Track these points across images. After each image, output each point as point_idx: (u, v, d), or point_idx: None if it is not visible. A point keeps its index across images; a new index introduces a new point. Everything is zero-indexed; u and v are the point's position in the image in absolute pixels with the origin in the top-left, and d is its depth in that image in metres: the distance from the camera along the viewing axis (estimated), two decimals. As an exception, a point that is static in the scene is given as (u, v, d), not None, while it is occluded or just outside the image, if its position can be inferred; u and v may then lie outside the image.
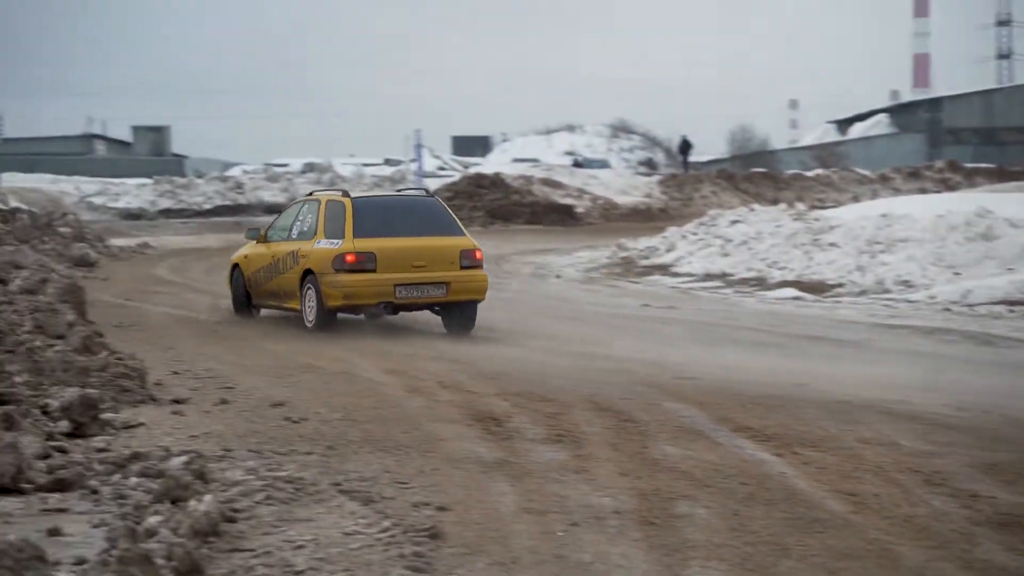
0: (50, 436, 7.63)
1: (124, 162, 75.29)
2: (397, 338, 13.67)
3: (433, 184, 47.75)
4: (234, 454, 7.44)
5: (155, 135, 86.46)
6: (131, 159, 78.88)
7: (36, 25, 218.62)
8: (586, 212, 44.57)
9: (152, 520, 5.74)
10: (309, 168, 56.46)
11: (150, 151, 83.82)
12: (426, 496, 6.58)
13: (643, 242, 27.72)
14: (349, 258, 14.30)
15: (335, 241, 14.58)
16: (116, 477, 6.79)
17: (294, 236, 15.54)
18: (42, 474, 6.68)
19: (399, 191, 19.39)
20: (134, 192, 47.16)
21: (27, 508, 6.19)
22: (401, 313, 14.92)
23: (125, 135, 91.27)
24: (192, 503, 5.91)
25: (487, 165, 63.13)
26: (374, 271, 14.34)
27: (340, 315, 14.79)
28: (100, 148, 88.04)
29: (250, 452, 7.53)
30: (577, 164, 61.41)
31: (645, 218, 43.46)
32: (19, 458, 6.59)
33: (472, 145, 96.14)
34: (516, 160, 67.74)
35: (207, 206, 47.13)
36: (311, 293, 14.62)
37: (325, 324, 14.49)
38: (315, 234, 15.04)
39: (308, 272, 14.72)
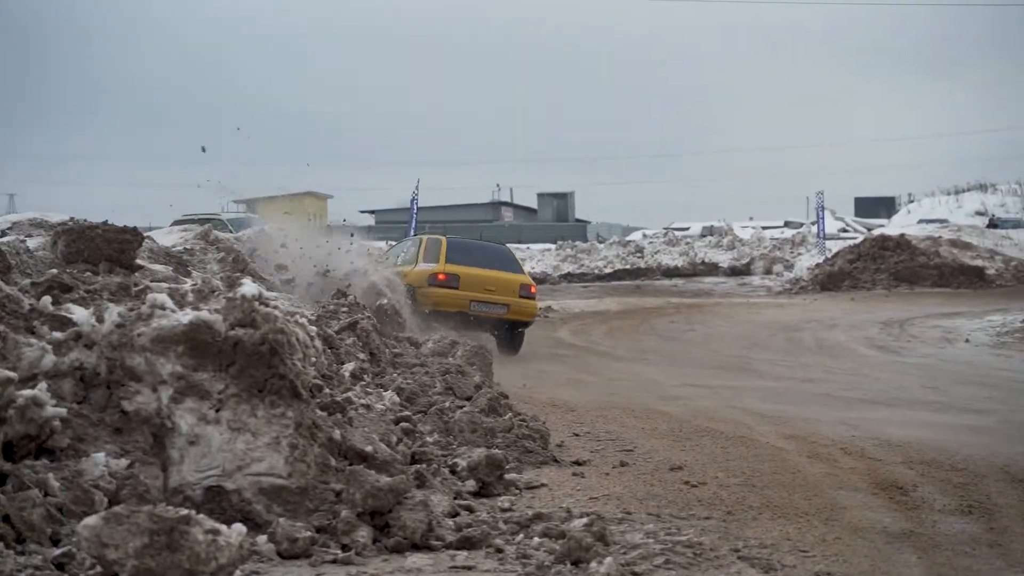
0: (458, 495, 7.91)
1: (530, 228, 77.52)
2: (795, 403, 13.43)
3: (834, 246, 46.91)
4: (633, 517, 7.47)
5: (559, 201, 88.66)
6: (536, 225, 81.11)
7: (449, 102, 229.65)
8: (997, 274, 42.62)
9: (554, 580, 5.85)
10: (708, 232, 56.64)
11: (554, 217, 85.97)
12: (828, 566, 6.40)
13: (1061, 305, 26.28)
14: (440, 276, 19.85)
15: (431, 264, 20.15)
16: (520, 537, 6.94)
17: (399, 263, 21.17)
18: (450, 532, 6.90)
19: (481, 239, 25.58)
20: (538, 257, 48.59)
21: (436, 565, 6.40)
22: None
23: (531, 202, 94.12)
24: (593, 565, 5.97)
25: (891, 227, 61.39)
26: (457, 288, 19.75)
27: None
28: (507, 215, 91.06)
29: (649, 515, 7.55)
30: (992, 224, 58.90)
31: (1063, 280, 41.23)
32: (430, 515, 6.84)
33: (876, 206, 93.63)
34: (922, 221, 65.61)
35: (607, 270, 48.01)
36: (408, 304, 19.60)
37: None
38: (415, 261, 20.67)
39: (408, 288, 19.67)
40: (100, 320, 6.98)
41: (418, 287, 19.81)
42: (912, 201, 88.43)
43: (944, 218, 65.08)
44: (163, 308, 6.99)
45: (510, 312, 20.10)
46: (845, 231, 64.57)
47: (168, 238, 18.24)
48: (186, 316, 6.86)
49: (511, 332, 20.46)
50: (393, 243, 36.23)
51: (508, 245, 23.93)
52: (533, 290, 20.72)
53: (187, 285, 9.64)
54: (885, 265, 41.39)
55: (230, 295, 7.05)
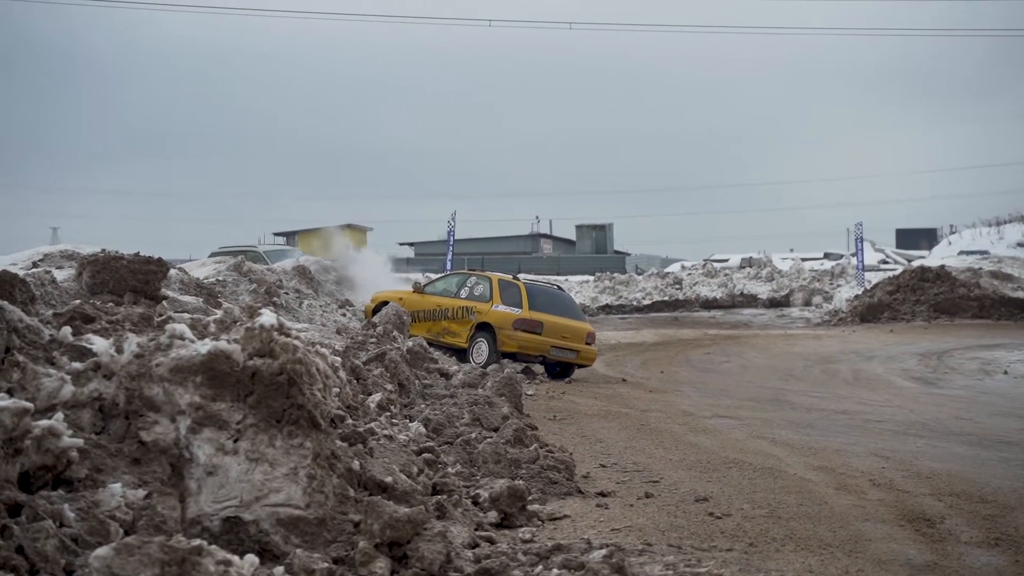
0: (479, 526, 7.88)
1: (568, 260, 77.49)
2: (826, 435, 13.31)
3: (874, 278, 46.65)
4: (654, 548, 7.42)
5: (597, 233, 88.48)
6: (575, 257, 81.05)
7: (483, 136, 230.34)
8: (1039, 305, 42.22)
9: (569, 612, 5.80)
10: (747, 263, 56.33)
11: (593, 249, 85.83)
12: (848, 599, 6.34)
13: (1104, 336, 26.03)
14: (527, 323, 21.30)
15: (515, 309, 21.50)
16: (539, 568, 6.89)
17: (463, 296, 22.53)
18: (469, 563, 6.86)
19: (548, 282, 26.30)
20: (576, 289, 48.50)
21: (453, 596, 6.37)
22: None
23: (569, 233, 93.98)
24: (609, 596, 5.93)
25: (931, 258, 60.95)
26: (540, 334, 21.32)
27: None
28: (546, 246, 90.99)
29: (670, 547, 7.49)
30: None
31: (1109, 311, 40.80)
32: (448, 547, 6.80)
33: (917, 238, 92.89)
34: (963, 252, 65.13)
35: (646, 302, 47.87)
36: (484, 341, 21.46)
37: (492, 363, 20.22)
38: (490, 300, 21.95)
39: (484, 325, 21.58)
40: (119, 350, 7.00)
41: (500, 328, 21.45)
42: (953, 232, 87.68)
43: (985, 249, 64.60)
44: (182, 338, 6.99)
45: (579, 357, 21.90)
46: (885, 263, 64.21)
47: (201, 270, 18.35)
48: (204, 346, 6.87)
49: (569, 368, 22.17)
50: (431, 276, 36.50)
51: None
52: (594, 337, 22.69)
53: (212, 316, 9.68)
54: (925, 297, 41.09)
55: (249, 325, 7.04)
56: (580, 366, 22.22)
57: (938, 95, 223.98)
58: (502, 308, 21.73)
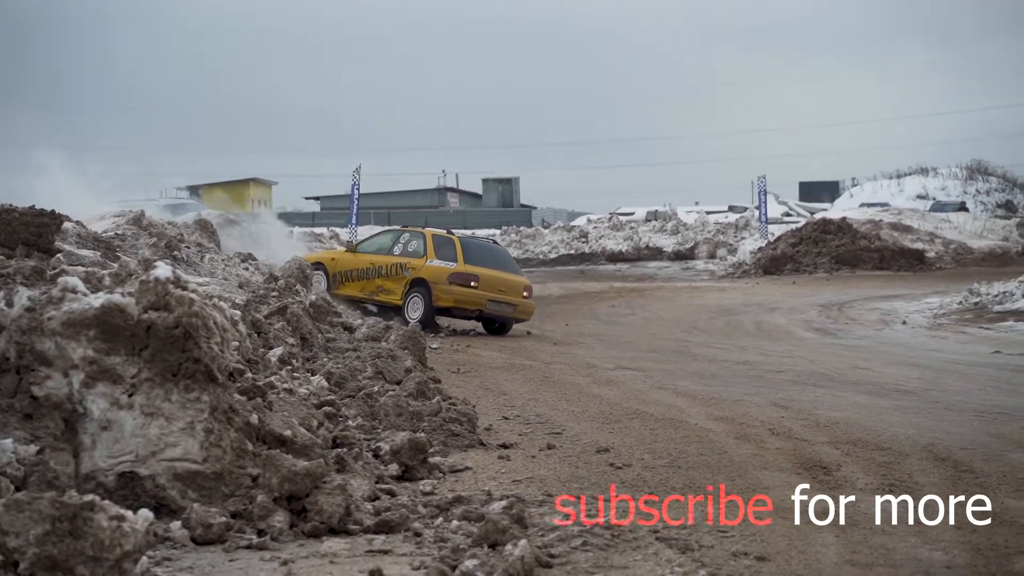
0: (379, 479, 7.85)
1: (475, 213, 77.43)
2: (727, 385, 13.45)
3: (777, 230, 47.17)
4: (554, 499, 7.44)
5: (504, 187, 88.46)
6: (482, 210, 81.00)
7: (388, 91, 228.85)
8: (937, 257, 43.04)
9: (468, 564, 5.78)
10: (653, 216, 56.72)
11: (499, 202, 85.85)
12: (746, 546, 6.39)
13: (997, 287, 26.52)
14: (463, 276, 20.89)
15: (450, 263, 21.12)
16: (439, 520, 6.89)
17: (396, 252, 22.03)
18: (369, 516, 6.83)
19: (481, 236, 26.46)
20: (483, 243, 48.53)
21: (352, 549, 6.33)
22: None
23: (476, 187, 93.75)
24: (508, 547, 5.92)
25: (833, 210, 61.73)
26: (476, 288, 20.90)
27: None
28: (453, 200, 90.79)
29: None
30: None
31: (1001, 263, 41.62)
32: (348, 500, 6.77)
33: (819, 190, 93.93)
34: (864, 204, 66.00)
35: (552, 255, 48.09)
36: (419, 296, 21.07)
37: (428, 319, 20.73)
38: (424, 255, 21.51)
39: (419, 281, 21.16)
40: (10, 304, 6.86)
41: (435, 283, 21.04)
42: (855, 185, 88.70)
43: (886, 202, 65.54)
44: (75, 292, 6.86)
45: (516, 311, 21.61)
46: (788, 215, 64.91)
47: (100, 223, 18.06)
48: (97, 299, 6.75)
49: (507, 323, 21.92)
50: (338, 230, 36.10)
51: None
52: (531, 291, 22.41)
53: (108, 269, 9.52)
54: (827, 249, 41.69)
55: (144, 278, 6.92)
56: (518, 320, 21.92)
57: (839, 48, 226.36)
58: (437, 263, 21.27)
